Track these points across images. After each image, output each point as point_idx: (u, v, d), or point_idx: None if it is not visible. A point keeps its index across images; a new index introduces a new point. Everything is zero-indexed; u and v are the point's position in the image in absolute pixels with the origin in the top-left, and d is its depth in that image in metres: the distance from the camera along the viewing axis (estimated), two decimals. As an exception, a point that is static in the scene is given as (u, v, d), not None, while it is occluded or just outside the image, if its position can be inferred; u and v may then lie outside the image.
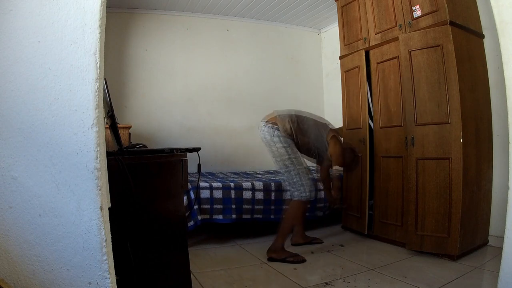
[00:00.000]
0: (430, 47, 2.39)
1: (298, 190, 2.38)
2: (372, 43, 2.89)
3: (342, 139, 2.62)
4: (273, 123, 2.40)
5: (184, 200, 2.52)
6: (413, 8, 2.52)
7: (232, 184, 2.88)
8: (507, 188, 1.37)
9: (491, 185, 2.59)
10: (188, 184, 2.69)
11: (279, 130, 2.36)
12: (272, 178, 3.38)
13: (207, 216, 2.75)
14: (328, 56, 4.63)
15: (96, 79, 1.00)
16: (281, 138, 2.35)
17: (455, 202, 2.27)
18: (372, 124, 2.96)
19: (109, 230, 1.04)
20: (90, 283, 1.00)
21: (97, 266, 1.00)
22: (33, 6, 0.98)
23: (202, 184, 2.81)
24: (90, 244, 0.99)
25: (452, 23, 2.31)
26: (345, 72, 3.21)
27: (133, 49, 3.89)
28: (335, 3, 3.39)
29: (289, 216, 2.44)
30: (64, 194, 0.98)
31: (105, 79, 1.23)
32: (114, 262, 1.05)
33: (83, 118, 0.98)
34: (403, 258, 2.39)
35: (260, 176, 3.62)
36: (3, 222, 0.97)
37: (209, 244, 2.77)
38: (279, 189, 3.01)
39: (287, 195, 2.53)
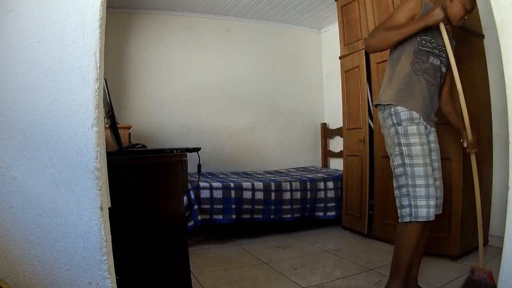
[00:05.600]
0: (430, 47, 2.39)
1: (400, 205, 1.62)
2: (372, 43, 2.88)
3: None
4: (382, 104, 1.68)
5: (184, 200, 2.52)
6: (413, 8, 2.51)
7: (232, 184, 2.89)
8: (507, 188, 1.37)
9: (491, 185, 2.59)
10: (188, 184, 2.69)
11: (391, 106, 1.62)
12: (272, 178, 3.38)
13: (207, 216, 2.75)
14: (328, 56, 4.63)
15: (96, 79, 1.00)
16: (393, 116, 1.61)
17: (455, 202, 2.27)
18: (372, 124, 2.96)
19: (109, 230, 1.04)
20: (90, 283, 1.00)
21: (97, 266, 1.00)
22: (33, 6, 0.98)
23: (202, 184, 2.81)
24: (90, 244, 0.99)
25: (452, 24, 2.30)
26: (345, 72, 3.21)
27: (133, 49, 3.89)
28: (335, 3, 3.39)
29: (397, 246, 1.66)
30: (64, 194, 0.98)
31: (105, 79, 1.23)
32: (114, 262, 1.05)
33: (83, 118, 0.98)
34: (403, 258, 2.38)
35: (260, 176, 3.62)
36: (3, 222, 0.97)
37: (209, 244, 2.77)
38: (279, 189, 3.01)
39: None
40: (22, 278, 0.99)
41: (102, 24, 1.02)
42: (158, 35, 3.99)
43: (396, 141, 1.61)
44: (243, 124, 4.31)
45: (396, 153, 1.61)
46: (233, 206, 2.82)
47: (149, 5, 3.85)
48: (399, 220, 1.63)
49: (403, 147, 1.58)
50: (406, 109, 1.59)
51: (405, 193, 1.58)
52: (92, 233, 0.99)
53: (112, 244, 1.06)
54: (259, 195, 2.92)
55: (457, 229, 2.25)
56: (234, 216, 2.80)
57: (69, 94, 0.98)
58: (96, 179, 0.99)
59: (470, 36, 2.49)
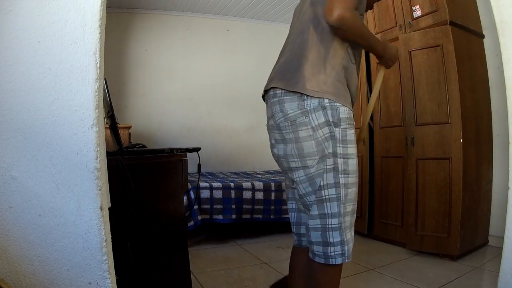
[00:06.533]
0: (430, 47, 2.40)
1: (324, 242, 1.12)
2: (372, 43, 2.88)
3: None
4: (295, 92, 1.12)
5: (184, 200, 2.52)
6: (413, 8, 2.52)
7: (232, 184, 2.88)
8: (507, 188, 1.37)
9: (491, 185, 2.59)
10: (188, 184, 2.69)
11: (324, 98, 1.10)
12: (272, 178, 3.38)
13: (207, 216, 2.75)
14: (328, 56, 4.62)
15: (96, 79, 1.00)
16: (329, 111, 1.10)
17: (455, 202, 2.27)
18: (372, 124, 2.96)
19: (109, 230, 1.04)
20: (90, 283, 1.00)
21: (97, 266, 1.00)
22: (33, 6, 0.98)
23: (202, 184, 2.81)
24: (90, 244, 0.99)
25: (452, 23, 2.31)
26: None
27: (133, 49, 3.89)
28: (335, 3, 3.38)
29: None
30: (64, 194, 0.98)
31: (105, 79, 1.23)
32: (114, 262, 1.05)
33: (83, 118, 0.98)
34: (403, 258, 2.39)
35: (260, 176, 3.62)
36: (3, 222, 0.97)
37: (209, 244, 2.77)
38: (279, 189, 3.01)
39: (294, 240, 1.35)
40: (22, 278, 0.99)
41: (102, 24, 1.02)
42: (158, 35, 3.99)
43: (331, 150, 1.09)
44: (243, 124, 4.31)
45: (328, 167, 1.10)
46: (233, 206, 2.82)
47: (149, 5, 3.85)
48: (321, 261, 1.12)
49: (339, 160, 1.10)
50: (345, 106, 1.12)
51: (336, 225, 1.11)
52: (92, 233, 0.99)
53: (112, 244, 1.06)
54: (259, 195, 2.92)
55: (457, 229, 2.25)
56: (234, 216, 2.80)
57: (69, 94, 0.98)
58: (96, 179, 0.98)
59: (470, 36, 2.49)
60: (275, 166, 4.35)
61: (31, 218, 0.98)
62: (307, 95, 1.10)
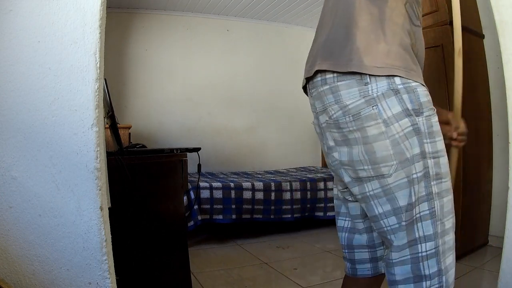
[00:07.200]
0: (430, 47, 2.39)
1: (414, 276, 0.82)
2: (372, 43, 2.88)
3: None
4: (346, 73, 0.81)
5: (184, 200, 2.52)
6: (413, 8, 2.52)
7: (232, 184, 2.89)
8: (507, 188, 1.37)
9: (491, 185, 2.59)
10: (188, 184, 2.69)
11: (393, 77, 0.79)
12: (272, 178, 3.38)
13: (207, 216, 2.75)
14: (328, 56, 4.62)
15: (96, 79, 1.00)
16: (405, 95, 0.79)
17: (455, 202, 2.27)
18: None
19: (109, 230, 1.04)
20: (90, 283, 1.00)
21: (97, 266, 1.00)
22: (33, 6, 0.98)
23: (202, 184, 2.81)
24: (90, 244, 0.99)
25: (452, 23, 2.30)
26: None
27: (133, 49, 3.89)
28: (335, 3, 3.38)
29: None
30: (64, 194, 0.98)
31: (105, 79, 1.23)
32: (114, 262, 1.05)
33: (83, 118, 0.98)
34: (403, 258, 2.38)
35: (260, 176, 3.62)
36: (3, 222, 0.97)
37: (209, 244, 2.77)
38: (279, 189, 3.01)
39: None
40: (22, 278, 0.99)
41: (102, 24, 1.02)
42: (158, 35, 3.99)
43: (417, 150, 0.80)
44: (243, 124, 4.31)
45: (418, 175, 0.80)
46: (233, 206, 2.82)
47: (149, 5, 3.85)
48: None
49: (429, 161, 0.82)
50: (422, 85, 0.82)
51: (432, 251, 0.82)
52: (92, 233, 0.99)
53: (112, 244, 1.06)
54: (259, 195, 2.92)
55: (457, 229, 2.25)
56: (234, 216, 2.80)
57: (69, 94, 0.98)
58: (96, 179, 0.99)
59: (470, 36, 2.49)
60: (275, 166, 4.35)
61: (31, 218, 0.98)
62: (369, 75, 0.79)
